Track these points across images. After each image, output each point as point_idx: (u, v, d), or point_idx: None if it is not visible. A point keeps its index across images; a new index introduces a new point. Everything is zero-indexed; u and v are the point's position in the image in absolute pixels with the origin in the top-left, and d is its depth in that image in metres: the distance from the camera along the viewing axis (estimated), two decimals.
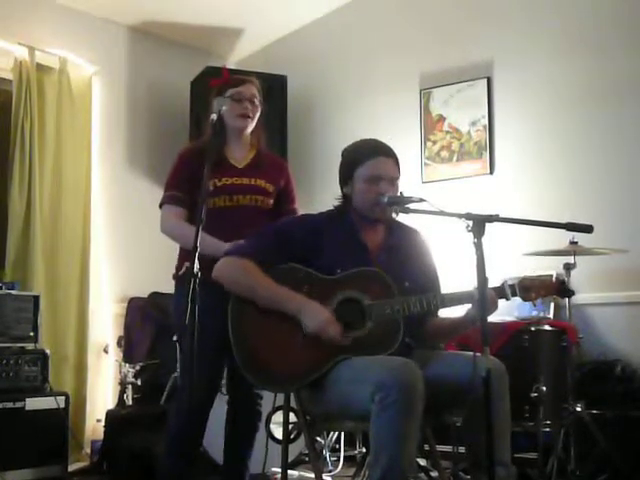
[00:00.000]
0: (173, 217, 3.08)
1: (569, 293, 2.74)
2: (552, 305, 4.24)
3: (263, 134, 3.25)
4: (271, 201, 3.17)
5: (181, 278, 3.03)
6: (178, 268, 3.11)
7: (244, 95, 3.10)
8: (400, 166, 2.72)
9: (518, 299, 2.62)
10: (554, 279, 2.66)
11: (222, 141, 3.11)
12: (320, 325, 2.48)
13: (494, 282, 2.51)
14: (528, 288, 2.60)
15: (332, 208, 2.79)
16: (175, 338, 3.57)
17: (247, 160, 3.17)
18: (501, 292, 2.58)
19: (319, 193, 4.78)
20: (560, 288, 2.66)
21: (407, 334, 2.58)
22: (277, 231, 2.77)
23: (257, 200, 3.11)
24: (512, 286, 2.59)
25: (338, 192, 2.77)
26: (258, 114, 3.17)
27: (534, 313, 3.91)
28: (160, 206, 3.14)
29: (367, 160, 2.66)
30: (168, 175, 3.17)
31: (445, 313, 2.75)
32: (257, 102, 3.15)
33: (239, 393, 3.19)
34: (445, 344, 3.29)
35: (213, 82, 3.26)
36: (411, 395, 2.26)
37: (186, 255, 3.00)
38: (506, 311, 3.80)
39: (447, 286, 2.77)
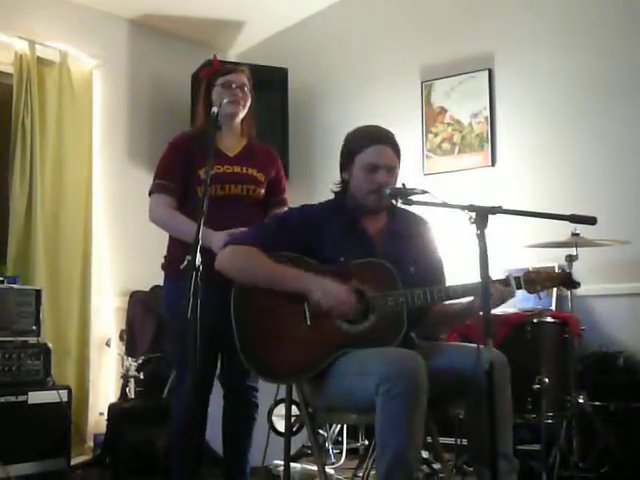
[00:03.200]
0: (162, 206, 3.08)
1: (575, 285, 2.72)
2: (554, 297, 4.24)
3: (254, 124, 3.26)
4: (262, 191, 3.17)
5: (182, 271, 3.01)
6: (170, 260, 3.09)
7: (234, 82, 3.12)
8: (400, 154, 2.71)
9: (520, 290, 2.60)
10: (559, 271, 2.63)
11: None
12: (336, 299, 2.47)
13: (496, 274, 2.50)
14: (533, 281, 2.58)
15: (331, 198, 2.78)
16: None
17: (238, 149, 3.18)
18: (506, 285, 2.56)
19: (319, 185, 4.75)
20: (566, 280, 2.64)
21: (411, 328, 2.57)
22: (278, 222, 2.78)
23: (249, 189, 3.11)
24: (517, 278, 2.57)
25: None
26: (248, 103, 3.18)
27: (539, 306, 3.89)
28: (149, 194, 3.14)
29: (366, 148, 2.65)
30: (158, 163, 3.18)
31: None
32: (247, 90, 3.16)
33: (233, 386, 3.18)
34: (447, 333, 3.28)
35: (203, 72, 3.27)
36: (416, 387, 2.25)
37: (177, 245, 3.02)
38: (508, 303, 3.78)
39: (450, 278, 2.76)
